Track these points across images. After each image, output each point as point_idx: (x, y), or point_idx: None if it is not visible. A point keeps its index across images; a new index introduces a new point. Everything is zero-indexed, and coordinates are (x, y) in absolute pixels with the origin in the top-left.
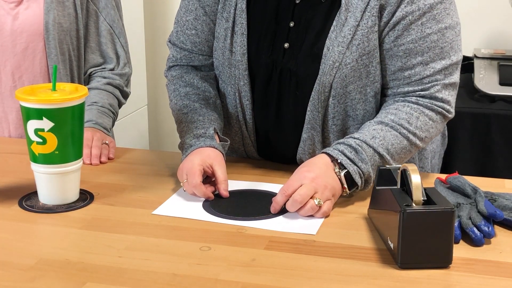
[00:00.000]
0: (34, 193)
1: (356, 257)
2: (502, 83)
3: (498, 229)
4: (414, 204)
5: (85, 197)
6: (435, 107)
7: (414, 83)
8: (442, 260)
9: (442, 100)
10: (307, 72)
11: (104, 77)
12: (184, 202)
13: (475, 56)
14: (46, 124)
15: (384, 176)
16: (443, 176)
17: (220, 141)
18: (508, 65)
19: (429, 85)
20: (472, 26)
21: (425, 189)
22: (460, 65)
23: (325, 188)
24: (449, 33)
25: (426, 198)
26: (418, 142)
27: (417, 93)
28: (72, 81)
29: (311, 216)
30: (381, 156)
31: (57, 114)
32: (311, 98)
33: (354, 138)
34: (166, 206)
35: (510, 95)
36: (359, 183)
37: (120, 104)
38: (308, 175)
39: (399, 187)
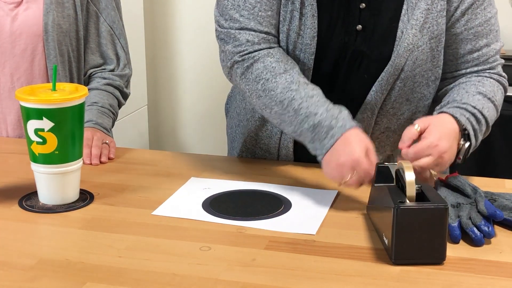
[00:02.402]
0: (34, 193)
1: (356, 257)
2: None
3: (498, 229)
4: (407, 201)
5: (85, 197)
6: (502, 82)
7: (482, 63)
8: (436, 257)
9: (505, 78)
10: (380, 55)
11: (104, 78)
12: (184, 202)
13: None
14: (46, 124)
15: (383, 173)
16: (443, 176)
17: None
18: (508, 65)
19: (494, 64)
20: None
21: (421, 186)
22: None
23: (445, 164)
24: (497, 18)
25: (421, 195)
26: (498, 114)
27: (487, 71)
28: (71, 82)
29: (311, 215)
30: (488, 127)
31: (57, 114)
32: (379, 79)
33: (473, 106)
34: (166, 206)
35: (510, 95)
36: (468, 155)
37: (120, 105)
38: (440, 148)
39: (394, 184)
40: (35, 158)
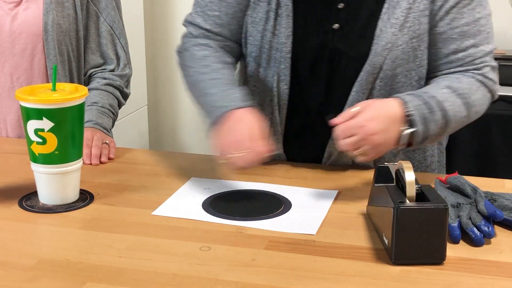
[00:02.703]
0: (34, 193)
1: (356, 257)
2: (502, 83)
3: (498, 229)
4: (407, 201)
5: (85, 197)
6: (488, 85)
7: (467, 64)
8: (436, 257)
9: (492, 81)
10: (358, 53)
11: (104, 78)
12: (184, 202)
13: None
14: (46, 124)
15: (383, 173)
16: (443, 176)
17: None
18: (508, 65)
19: (480, 65)
20: None
21: (421, 186)
22: None
23: (375, 147)
24: (490, 20)
25: (421, 195)
26: (473, 115)
27: (470, 72)
28: (71, 82)
29: (311, 215)
30: (447, 121)
31: (57, 114)
32: (359, 79)
33: (430, 95)
34: (166, 206)
35: (510, 95)
36: (417, 144)
37: (120, 105)
38: (367, 128)
39: (394, 184)
40: (35, 158)
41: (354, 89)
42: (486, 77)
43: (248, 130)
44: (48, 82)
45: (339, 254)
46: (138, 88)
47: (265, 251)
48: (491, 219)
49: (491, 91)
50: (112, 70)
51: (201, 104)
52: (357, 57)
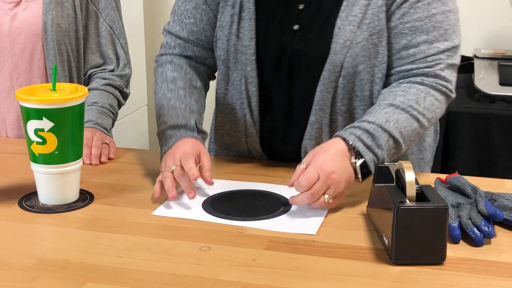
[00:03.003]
0: (34, 193)
1: (356, 257)
2: (502, 83)
3: (498, 229)
4: (407, 201)
5: (85, 197)
6: (439, 86)
7: (418, 61)
8: (436, 257)
9: (445, 79)
10: (318, 53)
11: (104, 78)
12: (184, 202)
13: (475, 56)
14: (46, 124)
15: (383, 173)
16: (443, 176)
17: (198, 132)
18: (508, 65)
19: (433, 63)
20: (472, 26)
21: (420, 186)
22: (459, 50)
23: (338, 185)
24: (452, 17)
25: (421, 195)
26: (426, 123)
27: (421, 70)
28: (71, 82)
29: (311, 215)
30: (395, 140)
31: (57, 114)
32: (321, 78)
33: (369, 122)
34: (166, 206)
35: (510, 95)
36: (373, 171)
37: (120, 105)
38: (325, 169)
39: (394, 184)
40: (35, 158)
41: (318, 88)
42: (439, 76)
43: (184, 149)
44: (47, 82)
45: (339, 254)
46: (138, 88)
47: (265, 251)
48: (491, 219)
49: (445, 93)
50: (112, 70)
51: (158, 129)
52: (317, 57)
